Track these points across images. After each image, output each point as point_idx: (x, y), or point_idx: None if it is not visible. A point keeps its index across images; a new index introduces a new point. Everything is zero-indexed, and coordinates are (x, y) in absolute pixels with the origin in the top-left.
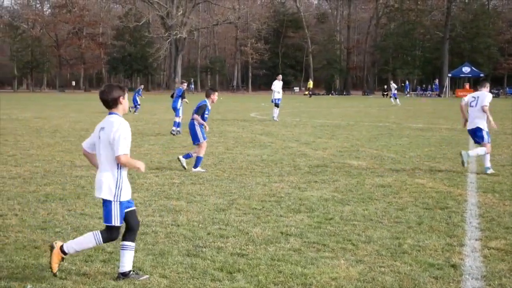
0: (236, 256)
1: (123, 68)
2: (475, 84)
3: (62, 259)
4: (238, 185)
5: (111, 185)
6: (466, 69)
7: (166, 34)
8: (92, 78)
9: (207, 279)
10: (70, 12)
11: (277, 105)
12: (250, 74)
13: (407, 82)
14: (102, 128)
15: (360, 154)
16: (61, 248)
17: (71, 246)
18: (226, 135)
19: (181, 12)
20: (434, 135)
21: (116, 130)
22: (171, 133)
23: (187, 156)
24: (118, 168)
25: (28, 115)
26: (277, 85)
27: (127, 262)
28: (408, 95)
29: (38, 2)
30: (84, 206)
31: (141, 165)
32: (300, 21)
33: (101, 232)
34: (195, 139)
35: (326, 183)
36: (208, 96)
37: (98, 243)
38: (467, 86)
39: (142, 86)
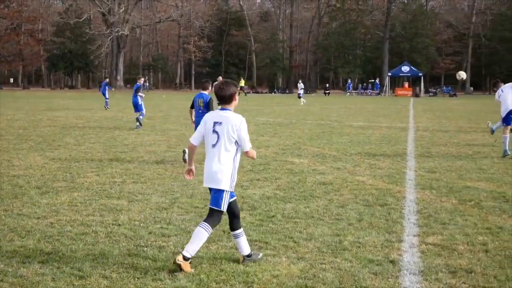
0: (178, 255)
1: (63, 65)
2: (414, 83)
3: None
4: (180, 183)
5: (228, 177)
6: (405, 68)
7: (108, 31)
8: (31, 75)
9: (149, 278)
10: (8, 7)
11: None
12: (193, 72)
13: (349, 81)
14: (218, 123)
15: (302, 152)
16: (184, 258)
17: (191, 249)
18: (168, 133)
19: (123, 9)
20: (374, 133)
21: (239, 128)
22: (136, 128)
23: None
24: (234, 161)
25: None
26: None
27: (245, 246)
28: (349, 94)
29: None
30: (21, 206)
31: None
32: (243, 19)
33: (207, 220)
34: None
35: (268, 181)
36: (207, 88)
37: (209, 233)
38: (406, 85)
39: (107, 80)
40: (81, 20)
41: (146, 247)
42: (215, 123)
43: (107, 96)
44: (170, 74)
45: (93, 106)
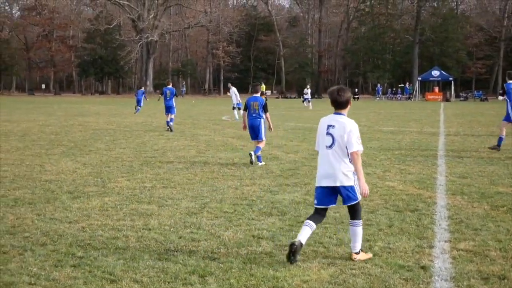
0: (207, 260)
1: (93, 71)
2: (444, 87)
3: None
4: (209, 188)
5: (350, 173)
6: (435, 73)
7: (137, 37)
8: (62, 81)
9: (179, 283)
10: (39, 14)
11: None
12: (222, 78)
13: (378, 86)
14: (332, 126)
15: None
16: (356, 253)
17: (358, 244)
18: (198, 139)
19: (153, 15)
20: (404, 138)
21: (350, 131)
22: (170, 130)
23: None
24: (349, 159)
25: None
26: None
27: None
28: (378, 99)
29: (6, 4)
30: (53, 210)
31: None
32: (271, 24)
33: (353, 216)
34: (259, 136)
35: (298, 186)
36: (258, 91)
37: (361, 225)
38: (436, 89)
39: (143, 89)
40: (111, 26)
41: (176, 251)
42: (328, 126)
43: (141, 104)
44: (199, 79)
45: (123, 112)
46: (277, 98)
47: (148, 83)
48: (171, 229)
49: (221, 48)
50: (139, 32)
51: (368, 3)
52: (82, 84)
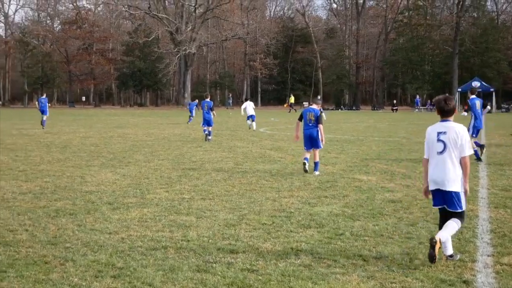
0: (246, 272)
1: (132, 83)
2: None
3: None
4: (247, 200)
5: (458, 179)
6: (475, 84)
7: (176, 50)
8: (102, 93)
9: None
10: (80, 28)
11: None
12: (259, 89)
13: (417, 97)
14: (443, 133)
15: (370, 169)
16: (438, 241)
17: (444, 235)
18: (235, 150)
19: (190, 27)
20: None
21: (462, 135)
22: (207, 139)
23: (307, 160)
24: (459, 166)
25: (39, 131)
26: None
27: (449, 246)
28: (417, 110)
29: (48, 18)
30: (94, 221)
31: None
32: (309, 36)
33: (457, 218)
34: (318, 145)
35: (336, 198)
36: (318, 104)
37: (459, 228)
38: None
39: (197, 101)
40: (150, 39)
41: (214, 263)
42: (439, 133)
43: (193, 114)
44: (236, 91)
45: (161, 123)
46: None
47: (186, 95)
48: (210, 241)
49: (258, 60)
50: (177, 44)
51: (407, 14)
52: (121, 96)
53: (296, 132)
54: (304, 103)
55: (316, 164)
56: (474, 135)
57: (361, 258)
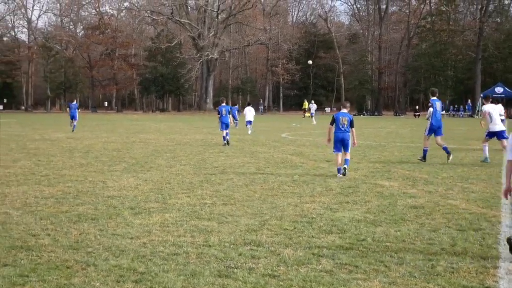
0: (267, 277)
1: (155, 88)
2: (508, 104)
3: None
4: (269, 205)
5: None
6: (499, 89)
7: (198, 55)
8: (124, 98)
9: None
10: (103, 33)
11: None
12: (281, 95)
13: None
14: None
15: (392, 175)
16: None
17: None
18: (257, 156)
19: (213, 33)
20: (467, 156)
21: None
22: (227, 144)
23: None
24: None
25: (61, 136)
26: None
27: None
28: None
29: (71, 23)
30: (116, 226)
31: None
32: (331, 41)
33: None
34: (347, 148)
35: (358, 204)
36: (347, 107)
37: None
38: None
39: (237, 106)
40: (172, 44)
41: (236, 268)
42: None
43: (237, 119)
44: (258, 96)
45: (183, 129)
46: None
47: (208, 100)
48: (231, 246)
49: (280, 65)
50: (199, 50)
51: (429, 19)
52: (144, 101)
53: (328, 136)
54: (326, 109)
55: (346, 160)
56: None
57: (383, 264)
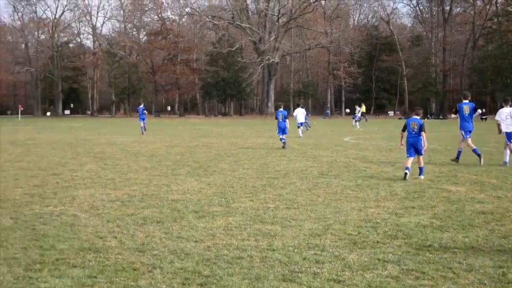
0: (332, 282)
1: (216, 93)
2: None
3: None
4: (333, 210)
5: None
6: None
7: (259, 59)
8: (186, 103)
9: None
10: (165, 39)
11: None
12: (343, 98)
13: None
14: None
15: (459, 179)
16: None
17: None
18: (320, 160)
19: (274, 37)
20: None
21: None
22: (283, 147)
23: (409, 169)
24: None
25: (126, 140)
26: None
27: None
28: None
29: (134, 29)
30: (180, 229)
31: None
32: (393, 44)
33: None
34: (420, 152)
35: (424, 209)
36: (419, 114)
37: None
38: None
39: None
40: (233, 49)
41: (300, 273)
42: None
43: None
44: (320, 100)
45: (245, 133)
46: (399, 119)
47: (269, 104)
48: (295, 250)
49: (342, 69)
50: (260, 54)
51: (496, 20)
52: (206, 105)
53: (401, 140)
54: (389, 112)
55: (420, 169)
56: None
57: (451, 271)
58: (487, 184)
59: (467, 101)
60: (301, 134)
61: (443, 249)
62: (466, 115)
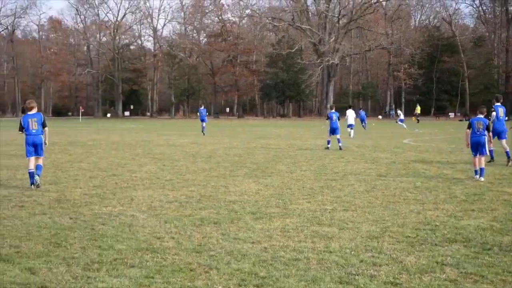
0: (389, 285)
1: (275, 94)
2: None
3: None
4: (391, 212)
5: None
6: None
7: (318, 61)
8: (245, 104)
9: None
10: (225, 40)
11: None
12: (403, 100)
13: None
14: None
15: None
16: None
17: None
18: (378, 162)
19: (333, 38)
20: None
21: None
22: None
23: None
24: None
25: (185, 141)
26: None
27: None
28: None
29: (194, 31)
30: (237, 230)
31: None
32: (455, 45)
33: None
34: (482, 152)
35: (484, 212)
36: (483, 113)
37: None
38: None
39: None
40: (293, 50)
41: (357, 275)
42: None
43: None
44: (379, 101)
45: (303, 134)
46: (460, 120)
47: (328, 106)
48: (352, 253)
49: (402, 70)
50: (320, 55)
51: None
52: (264, 107)
53: (466, 140)
54: (450, 114)
55: (481, 170)
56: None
57: (511, 275)
58: None
59: (499, 103)
60: (352, 135)
61: (503, 252)
62: (500, 117)
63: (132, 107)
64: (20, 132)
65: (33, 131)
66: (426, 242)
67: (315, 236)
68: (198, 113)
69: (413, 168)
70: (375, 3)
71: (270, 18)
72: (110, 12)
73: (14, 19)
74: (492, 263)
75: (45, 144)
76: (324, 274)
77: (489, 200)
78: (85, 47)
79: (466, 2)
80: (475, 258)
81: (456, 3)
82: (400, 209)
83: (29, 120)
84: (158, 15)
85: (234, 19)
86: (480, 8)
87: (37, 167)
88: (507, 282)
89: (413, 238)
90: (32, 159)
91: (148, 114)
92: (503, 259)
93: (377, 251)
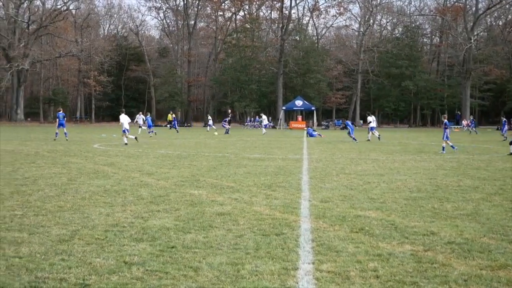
0: (78, 286)
1: None
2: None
3: None
4: (81, 215)
5: None
6: (298, 102)
7: (8, 66)
8: None
9: None
10: None
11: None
12: (93, 106)
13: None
14: None
15: (201, 183)
16: None
17: None
18: (69, 166)
19: (23, 43)
20: (270, 165)
21: None
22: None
23: None
24: None
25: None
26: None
27: None
28: (247, 127)
29: None
30: None
31: None
32: (142, 55)
33: None
34: None
35: (168, 212)
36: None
37: None
38: (299, 118)
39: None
40: None
41: (47, 279)
42: None
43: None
44: (70, 107)
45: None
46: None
47: (18, 111)
48: (42, 257)
49: (92, 77)
50: (9, 60)
51: (235, 35)
52: None
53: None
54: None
55: None
56: None
57: (192, 269)
58: (225, 187)
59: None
60: (126, 141)
61: (185, 249)
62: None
63: None
64: None
65: None
66: (114, 243)
67: (3, 242)
68: None
69: (103, 171)
70: (64, 10)
71: None
72: None
73: None
74: (175, 260)
75: None
76: (14, 279)
77: (173, 201)
78: None
79: (152, 14)
80: (159, 256)
81: (142, 15)
82: (90, 212)
83: None
84: None
85: None
86: (164, 21)
87: None
88: (187, 277)
89: (102, 240)
90: None
91: None
92: (185, 255)
93: (67, 254)
